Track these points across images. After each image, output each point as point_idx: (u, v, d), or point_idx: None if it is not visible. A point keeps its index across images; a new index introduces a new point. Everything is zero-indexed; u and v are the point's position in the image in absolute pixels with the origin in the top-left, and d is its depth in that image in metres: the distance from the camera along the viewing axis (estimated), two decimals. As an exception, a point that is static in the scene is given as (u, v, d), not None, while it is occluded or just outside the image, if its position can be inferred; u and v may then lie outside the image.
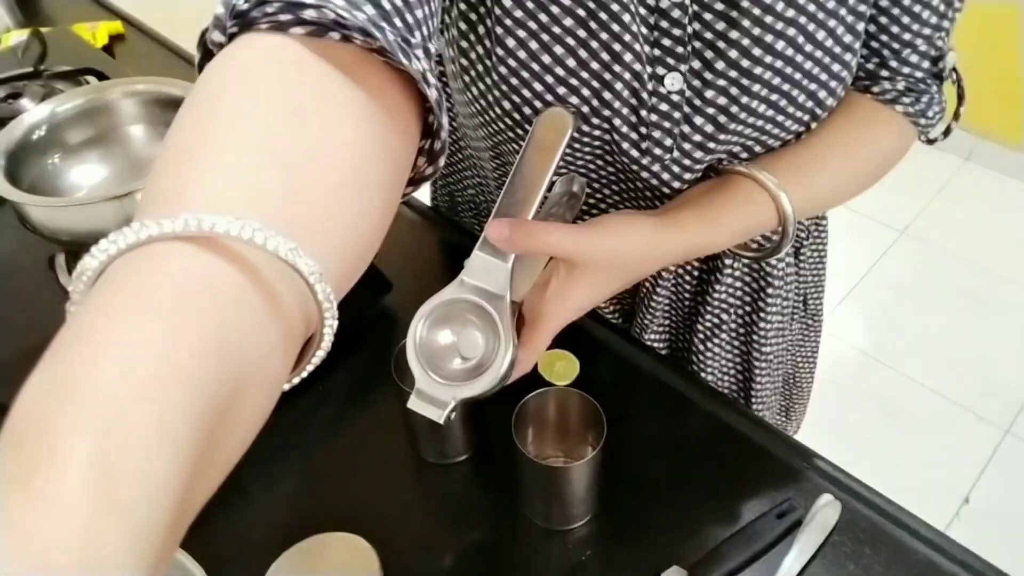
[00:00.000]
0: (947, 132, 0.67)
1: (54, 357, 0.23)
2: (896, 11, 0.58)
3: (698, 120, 0.59)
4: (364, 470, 0.68)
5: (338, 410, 0.73)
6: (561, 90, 0.58)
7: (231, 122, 0.29)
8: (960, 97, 0.67)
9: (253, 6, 0.31)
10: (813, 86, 0.58)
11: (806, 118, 0.60)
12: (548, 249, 0.51)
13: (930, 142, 0.68)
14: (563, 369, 0.72)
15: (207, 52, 0.34)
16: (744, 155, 0.62)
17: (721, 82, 0.57)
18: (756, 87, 0.57)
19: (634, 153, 0.60)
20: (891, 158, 0.67)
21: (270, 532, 0.64)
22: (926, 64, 0.62)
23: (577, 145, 0.61)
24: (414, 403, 0.48)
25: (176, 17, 1.77)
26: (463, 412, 0.65)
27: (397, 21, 0.34)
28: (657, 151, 0.60)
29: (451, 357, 0.50)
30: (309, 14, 0.31)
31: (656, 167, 0.61)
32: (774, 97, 0.58)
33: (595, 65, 0.57)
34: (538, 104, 0.59)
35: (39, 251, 0.76)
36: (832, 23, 0.56)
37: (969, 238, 2.24)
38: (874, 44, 0.61)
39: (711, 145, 0.60)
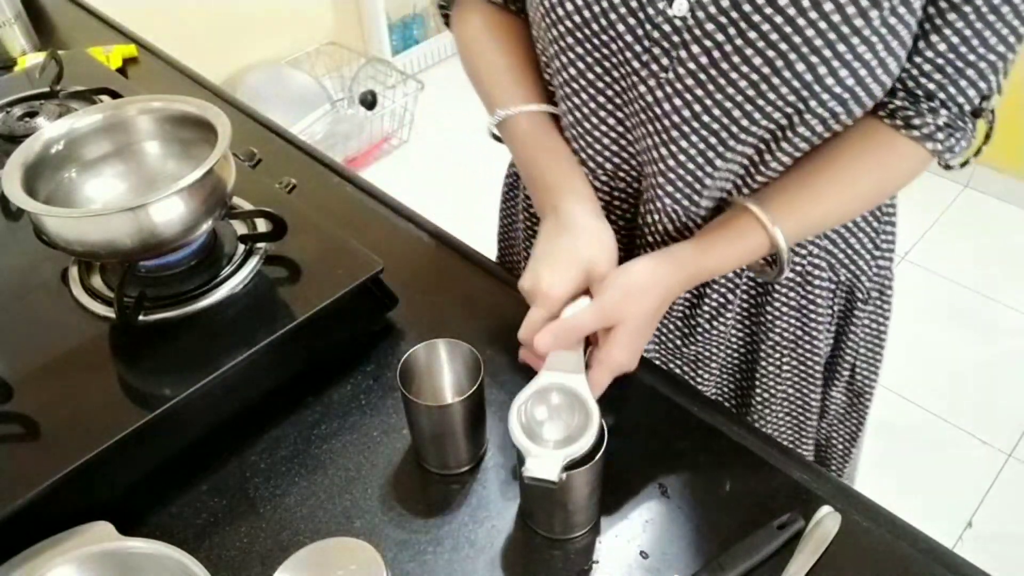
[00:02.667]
0: (964, 164, 0.68)
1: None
2: (967, 31, 0.59)
3: (695, 48, 0.62)
4: (369, 479, 0.69)
5: (344, 420, 0.73)
6: None
7: (496, 63, 0.76)
8: (987, 136, 0.67)
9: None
10: (814, 59, 0.59)
11: (804, 93, 0.60)
12: (584, 329, 0.63)
13: (947, 167, 0.68)
14: None
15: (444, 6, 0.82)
16: (738, 113, 0.63)
17: (722, 19, 0.59)
18: (752, 35, 0.59)
19: (635, 64, 0.65)
20: (900, 183, 0.69)
21: (277, 539, 0.65)
22: (977, 100, 0.63)
23: (596, 42, 0.66)
24: (529, 470, 0.57)
25: (187, 41, 1.81)
26: (466, 424, 0.66)
27: None
28: (654, 67, 0.64)
29: (547, 434, 0.61)
30: None
31: (652, 82, 0.65)
32: (770, 54, 0.59)
33: None
34: None
35: (53, 265, 0.78)
36: None
37: (970, 264, 2.26)
38: (940, 60, 0.61)
39: (702, 77, 0.62)
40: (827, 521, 0.64)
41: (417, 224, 0.93)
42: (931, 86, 0.63)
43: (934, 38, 0.60)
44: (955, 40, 0.60)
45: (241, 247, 0.79)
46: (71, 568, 0.56)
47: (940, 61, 0.61)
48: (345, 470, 0.70)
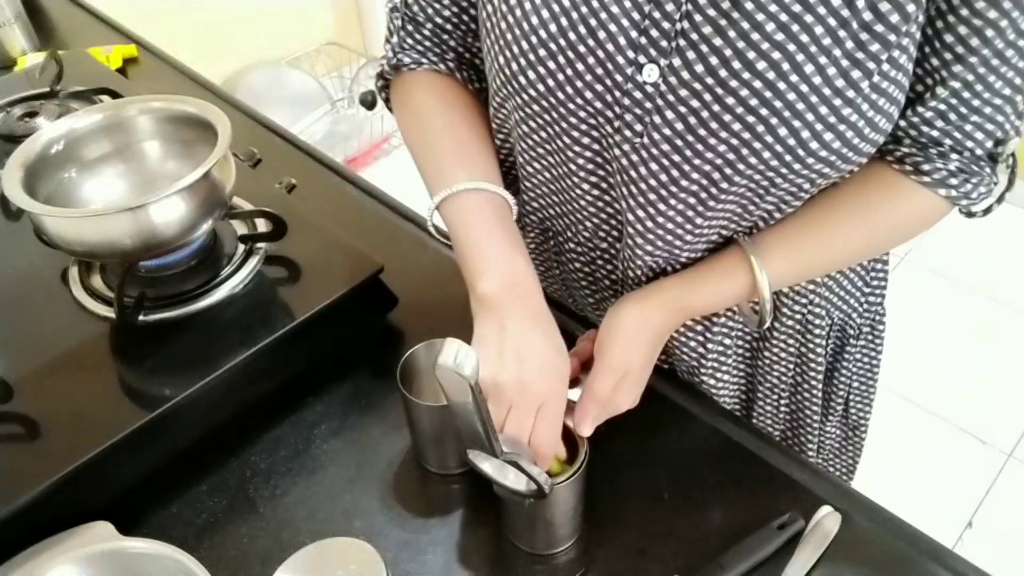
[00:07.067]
0: (987, 211, 0.65)
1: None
2: (970, 77, 0.57)
3: (669, 115, 0.59)
4: (369, 479, 0.69)
5: (344, 420, 0.73)
6: (541, 52, 0.61)
7: (447, 139, 0.71)
8: (1010, 182, 0.64)
9: (398, 64, 0.75)
10: (796, 123, 0.56)
11: (787, 157, 0.58)
12: (608, 398, 0.64)
13: (969, 215, 0.65)
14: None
15: (385, 83, 0.79)
16: (717, 176, 0.60)
17: (696, 85, 0.57)
18: (730, 100, 0.56)
19: (608, 128, 0.62)
20: (913, 230, 0.66)
21: (277, 539, 0.65)
22: (989, 144, 0.60)
23: (563, 111, 0.63)
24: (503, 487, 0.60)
25: (187, 41, 1.81)
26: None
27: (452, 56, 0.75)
28: (628, 133, 0.61)
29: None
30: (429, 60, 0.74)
31: (626, 147, 0.62)
32: (750, 119, 0.56)
33: (572, 36, 0.59)
34: (523, 61, 0.62)
35: (53, 265, 0.78)
36: (823, 60, 0.54)
37: (970, 264, 2.26)
38: (942, 107, 0.59)
39: (678, 143, 0.59)
40: (827, 521, 0.64)
41: (417, 224, 0.93)
42: (934, 133, 0.60)
43: (938, 89, 0.58)
44: (957, 86, 0.57)
45: (241, 247, 0.79)
46: (71, 568, 0.56)
47: (943, 107, 0.59)
48: (345, 470, 0.70)
